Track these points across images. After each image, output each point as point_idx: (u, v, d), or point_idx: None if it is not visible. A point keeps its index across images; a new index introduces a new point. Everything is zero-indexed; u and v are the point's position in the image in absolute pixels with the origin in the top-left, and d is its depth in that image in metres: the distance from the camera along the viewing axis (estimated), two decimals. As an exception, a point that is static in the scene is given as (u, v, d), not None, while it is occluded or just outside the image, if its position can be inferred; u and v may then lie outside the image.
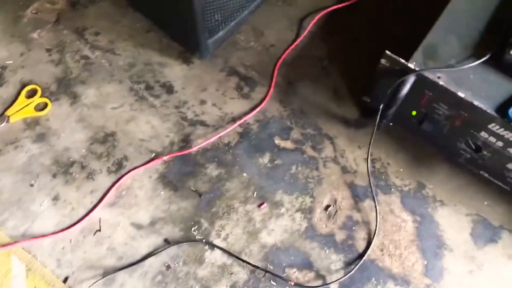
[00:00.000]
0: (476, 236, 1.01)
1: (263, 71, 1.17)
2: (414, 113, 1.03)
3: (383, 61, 0.95)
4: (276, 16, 1.25)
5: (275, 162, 1.07)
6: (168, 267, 0.97)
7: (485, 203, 1.04)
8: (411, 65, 0.92)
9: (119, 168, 1.05)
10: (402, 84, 0.93)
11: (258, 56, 1.19)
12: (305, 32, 1.22)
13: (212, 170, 1.06)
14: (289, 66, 1.18)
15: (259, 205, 1.03)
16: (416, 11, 1.23)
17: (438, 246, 1.00)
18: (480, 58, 0.92)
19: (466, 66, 0.92)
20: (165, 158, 1.06)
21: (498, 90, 0.91)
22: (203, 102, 1.13)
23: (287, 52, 1.19)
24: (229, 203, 1.03)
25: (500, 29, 0.95)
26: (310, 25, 1.23)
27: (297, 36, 1.22)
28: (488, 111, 0.88)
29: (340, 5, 1.25)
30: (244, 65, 1.18)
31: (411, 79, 0.93)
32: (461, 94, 0.90)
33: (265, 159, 1.08)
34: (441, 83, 0.91)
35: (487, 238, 1.01)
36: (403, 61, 0.93)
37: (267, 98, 1.13)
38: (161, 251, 0.97)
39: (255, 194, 1.04)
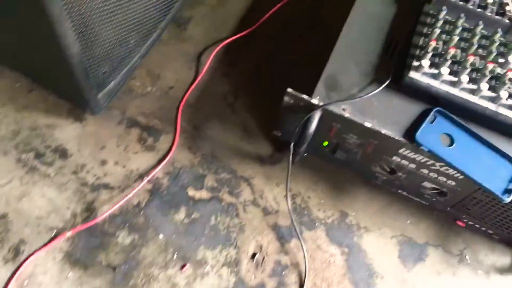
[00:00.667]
0: (404, 257, 1.01)
1: (166, 117, 1.09)
2: (326, 143, 1.00)
3: (286, 98, 0.91)
4: (171, 55, 1.17)
5: (192, 216, 1.00)
6: None
7: (408, 221, 1.04)
8: (314, 101, 0.89)
9: (16, 255, 0.92)
10: (309, 120, 0.90)
11: (158, 101, 1.11)
12: (205, 68, 1.15)
13: (124, 238, 0.97)
14: (192, 107, 1.11)
15: (181, 267, 0.95)
16: (316, 35, 1.21)
17: (370, 275, 0.98)
18: (381, 84, 0.91)
19: (369, 95, 0.90)
20: (68, 234, 0.95)
21: (403, 114, 0.90)
22: (104, 162, 1.03)
23: (188, 92, 1.12)
24: (147, 271, 0.94)
25: (396, 51, 0.95)
26: (209, 60, 1.16)
27: (197, 73, 1.15)
28: (396, 138, 0.87)
29: (237, 36, 1.20)
30: (144, 114, 1.10)
31: (317, 115, 0.90)
32: (367, 124, 0.88)
33: (181, 214, 1.00)
34: (346, 115, 0.88)
35: (415, 258, 1.01)
36: (306, 97, 0.89)
37: (174, 146, 1.06)
38: None
39: (175, 256, 0.96)
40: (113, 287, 0.92)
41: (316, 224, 1.02)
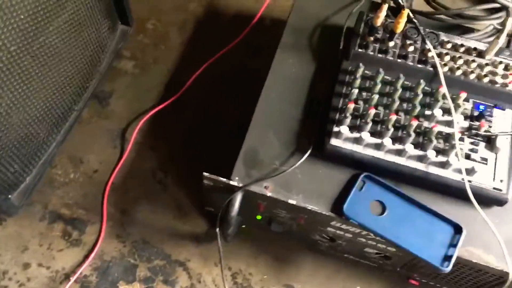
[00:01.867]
0: (358, 328, 0.95)
1: (91, 205, 1.02)
2: (259, 217, 0.94)
3: (205, 181, 0.85)
4: (93, 135, 1.10)
5: (125, 314, 0.94)
6: None
7: (358, 287, 0.98)
8: (233, 183, 0.83)
9: None
10: (230, 202, 0.84)
11: (82, 188, 1.04)
12: (130, 145, 1.09)
13: None
14: (119, 190, 1.04)
15: None
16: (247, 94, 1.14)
17: None
18: (303, 153, 0.85)
19: (292, 168, 0.84)
20: None
21: (330, 184, 0.84)
22: (26, 265, 0.96)
23: (113, 174, 1.05)
24: None
25: (317, 115, 0.89)
26: (134, 135, 1.10)
27: (122, 152, 1.08)
28: (324, 212, 0.81)
29: (162, 105, 1.14)
30: (67, 205, 1.02)
31: (239, 196, 0.84)
32: (292, 201, 0.81)
33: (113, 314, 0.94)
34: (269, 194, 0.82)
35: (369, 327, 0.95)
36: (224, 180, 0.83)
37: (101, 237, 0.99)
38: None
39: None
40: None
41: (260, 304, 0.95)
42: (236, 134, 0.88)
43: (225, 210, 0.84)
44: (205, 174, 0.83)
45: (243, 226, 0.99)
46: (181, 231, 1.01)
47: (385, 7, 0.85)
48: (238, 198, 0.83)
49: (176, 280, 0.96)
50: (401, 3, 0.86)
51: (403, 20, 0.85)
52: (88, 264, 0.96)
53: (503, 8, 0.93)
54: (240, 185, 0.83)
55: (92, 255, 0.96)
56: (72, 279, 0.94)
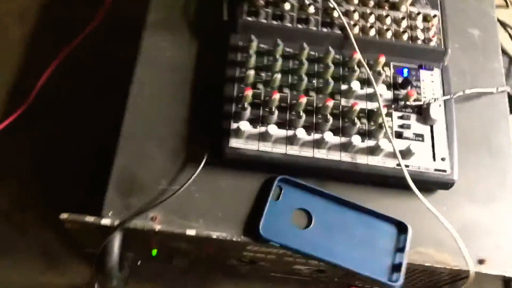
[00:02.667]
0: None
1: None
2: (154, 253, 0.73)
3: (67, 225, 0.62)
4: None
5: None
6: None
7: (291, 307, 0.81)
8: (106, 221, 0.60)
9: None
10: (106, 248, 0.62)
11: None
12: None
13: None
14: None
15: None
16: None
17: None
18: (198, 164, 0.64)
19: (185, 186, 0.62)
20: None
21: (236, 200, 0.63)
22: None
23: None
24: None
25: (208, 110, 0.68)
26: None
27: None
28: (234, 239, 0.62)
29: (5, 122, 0.84)
30: None
31: (117, 238, 0.62)
32: (191, 232, 0.61)
33: None
34: (158, 227, 0.61)
35: None
36: (91, 219, 0.60)
37: None
38: None
39: None
40: None
41: None
42: (107, 150, 0.66)
43: (100, 258, 0.62)
44: (64, 215, 0.60)
45: (139, 262, 0.78)
46: (57, 285, 0.77)
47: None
48: (116, 240, 0.60)
49: None
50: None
51: (297, -27, 0.67)
52: None
53: None
54: (116, 222, 0.60)
55: None
56: None
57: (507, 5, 0.97)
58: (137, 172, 0.63)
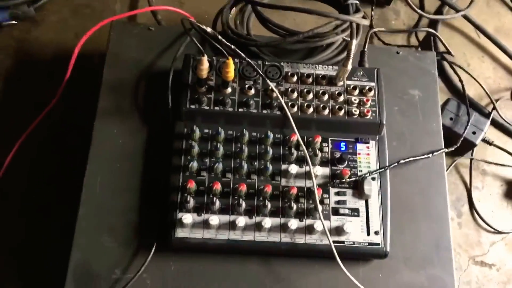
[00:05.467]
0: None
1: None
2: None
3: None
4: None
5: None
6: None
7: None
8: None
9: None
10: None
11: None
12: None
13: None
14: None
15: None
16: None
17: None
18: (149, 252, 0.69)
19: (138, 274, 0.66)
20: None
21: (187, 283, 0.68)
22: None
23: None
24: None
25: (157, 200, 0.72)
26: None
27: None
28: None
29: None
30: None
31: (77, 328, 0.67)
32: (144, 323, 0.67)
33: None
34: (113, 318, 0.67)
35: None
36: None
37: None
38: None
39: None
40: None
41: None
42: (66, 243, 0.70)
43: None
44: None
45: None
46: None
47: (204, 60, 0.69)
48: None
49: None
50: (225, 51, 0.71)
51: (231, 69, 0.69)
52: None
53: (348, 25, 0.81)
54: (75, 317, 0.66)
55: None
56: None
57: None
58: (92, 264, 0.68)
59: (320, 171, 0.72)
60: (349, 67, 0.74)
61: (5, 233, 0.84)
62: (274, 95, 0.74)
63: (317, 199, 0.69)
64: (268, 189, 0.69)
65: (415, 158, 0.78)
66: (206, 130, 0.73)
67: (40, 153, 0.90)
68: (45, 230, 0.83)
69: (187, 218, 0.67)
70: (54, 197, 0.85)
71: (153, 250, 0.68)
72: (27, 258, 0.82)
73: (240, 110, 0.74)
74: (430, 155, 0.79)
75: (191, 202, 0.68)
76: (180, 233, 0.68)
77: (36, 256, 0.82)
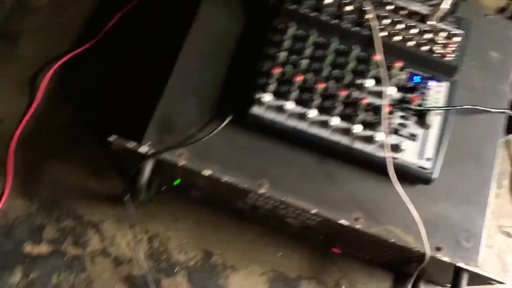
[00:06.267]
0: (275, 295, 0.93)
1: (-5, 159, 0.94)
2: (177, 182, 0.88)
3: (112, 145, 0.77)
4: (-2, 81, 0.99)
5: (30, 276, 0.86)
6: None
7: (279, 254, 0.95)
8: (143, 150, 0.75)
9: None
10: (139, 171, 0.77)
11: (-18, 144, 0.94)
12: (40, 94, 0.97)
13: None
14: (27, 145, 0.94)
15: None
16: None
17: (235, 323, 0.90)
18: (224, 120, 0.78)
19: (210, 135, 0.77)
20: None
21: (249, 154, 0.78)
22: None
23: (21, 127, 0.94)
24: None
25: (242, 80, 0.81)
26: (45, 83, 0.98)
27: (31, 101, 0.97)
28: (239, 185, 0.76)
29: (79, 49, 1.00)
30: (-34, 160, 0.93)
31: (149, 164, 0.77)
32: (206, 172, 0.75)
33: (17, 276, 0.86)
34: (181, 163, 0.76)
35: (287, 295, 0.94)
36: (132, 146, 0.76)
37: (6, 194, 0.90)
38: None
39: (10, 328, 0.85)
40: None
41: (176, 269, 0.90)
42: (155, 93, 0.80)
43: (133, 177, 0.78)
44: (112, 138, 0.75)
45: (164, 187, 0.94)
46: (96, 191, 0.93)
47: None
48: (148, 166, 0.76)
49: (87, 242, 0.90)
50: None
51: (341, -25, 0.76)
52: (-11, 223, 0.89)
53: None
54: (151, 152, 0.76)
55: (-6, 214, 0.90)
56: (-29, 239, 0.87)
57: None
58: (174, 117, 0.78)
59: (392, 92, 0.79)
60: (445, 5, 0.79)
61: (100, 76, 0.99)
62: (368, 16, 0.81)
63: (384, 112, 0.75)
64: (342, 93, 0.76)
65: (478, 108, 0.83)
66: (299, 31, 0.80)
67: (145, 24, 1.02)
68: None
69: (266, 97, 0.75)
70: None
71: (227, 120, 0.77)
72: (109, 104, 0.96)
73: (334, 21, 0.81)
74: (492, 109, 0.84)
75: (272, 86, 0.76)
76: (256, 110, 0.76)
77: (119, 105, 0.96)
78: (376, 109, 0.78)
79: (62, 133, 0.96)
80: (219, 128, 0.77)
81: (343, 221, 0.75)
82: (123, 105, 0.96)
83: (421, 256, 0.78)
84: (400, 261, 0.89)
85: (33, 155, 0.94)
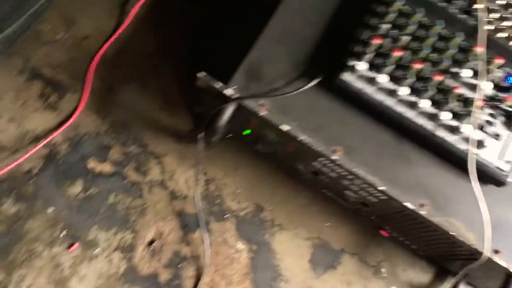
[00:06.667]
0: (316, 262, 0.93)
1: (75, 72, 0.95)
2: (246, 132, 0.88)
3: (198, 82, 0.78)
4: (92, -3, 1.00)
5: (89, 191, 0.90)
6: (-46, 333, 0.82)
7: (328, 224, 0.96)
8: (229, 91, 0.76)
9: None
10: (220, 112, 0.78)
11: (69, 52, 0.96)
12: (129, 19, 0.98)
13: (9, 207, 0.87)
14: (109, 64, 0.96)
15: (69, 247, 0.87)
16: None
17: (274, 278, 0.91)
18: (311, 80, 0.78)
19: (295, 92, 0.76)
20: None
21: (329, 119, 0.78)
22: (-4, 117, 0.92)
23: (106, 46, 0.96)
24: (30, 247, 0.86)
25: (337, 44, 0.80)
26: (136, 8, 0.99)
27: (119, 23, 0.98)
28: (315, 147, 0.76)
29: None
30: (50, 65, 0.95)
31: (230, 107, 0.77)
32: (284, 127, 0.75)
33: (77, 188, 0.90)
34: (262, 113, 0.76)
35: (327, 264, 0.93)
36: (218, 86, 0.76)
37: (80, 108, 0.93)
38: None
39: (63, 234, 0.87)
40: (-12, 260, 0.85)
41: (226, 216, 0.93)
42: (245, 39, 0.80)
43: (213, 117, 0.79)
44: (200, 74, 0.76)
45: (230, 135, 0.95)
46: (164, 123, 0.95)
47: None
48: (229, 109, 0.77)
49: (148, 171, 0.92)
50: None
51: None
52: (61, 132, 0.91)
53: None
54: (235, 96, 0.76)
55: (67, 124, 0.91)
56: (42, 143, 0.89)
57: None
58: (263, 66, 0.78)
59: (486, 87, 0.77)
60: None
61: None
62: (477, 6, 0.78)
63: (477, 105, 0.74)
64: (437, 78, 0.75)
65: None
66: (405, 6, 0.79)
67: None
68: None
69: (359, 66, 0.75)
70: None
71: (316, 81, 0.77)
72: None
73: (442, 4, 0.79)
74: None
75: (368, 56, 0.75)
76: (346, 76, 0.75)
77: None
78: (466, 101, 0.76)
79: (143, 60, 0.98)
80: (306, 87, 0.77)
81: (408, 204, 0.75)
82: (210, 45, 0.97)
83: (474, 256, 0.78)
84: (447, 257, 0.89)
85: (112, 76, 0.96)
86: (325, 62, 0.78)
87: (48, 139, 0.90)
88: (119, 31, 0.97)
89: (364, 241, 0.96)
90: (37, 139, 0.90)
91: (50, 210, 0.88)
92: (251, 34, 0.80)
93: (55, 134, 0.90)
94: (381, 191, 0.76)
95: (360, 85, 0.75)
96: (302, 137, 0.75)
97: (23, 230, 0.86)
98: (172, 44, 0.99)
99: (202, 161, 0.91)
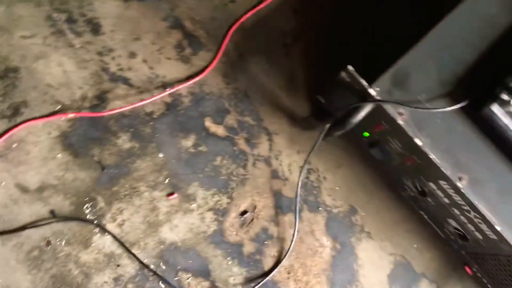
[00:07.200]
0: (394, 279, 0.93)
1: (214, 32, 0.97)
2: (366, 134, 0.88)
3: (343, 74, 0.78)
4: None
5: (199, 148, 0.92)
6: (48, 243, 0.85)
7: (415, 245, 0.95)
8: (372, 91, 0.76)
9: (14, 114, 0.87)
10: (357, 109, 0.78)
11: (213, 11, 0.98)
12: (277, -5, 1.01)
13: (124, 142, 0.90)
14: (245, 33, 0.98)
15: (169, 195, 0.90)
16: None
17: (350, 281, 0.91)
18: (455, 103, 0.77)
19: (436, 110, 0.76)
20: (71, 115, 0.89)
21: (462, 146, 0.77)
22: (132, 54, 0.94)
23: (247, 15, 0.98)
24: (134, 184, 0.89)
25: (491, 70, 0.79)
26: (285, -13, 1.02)
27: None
28: (442, 169, 0.75)
29: None
30: (192, 19, 0.97)
31: (368, 107, 0.77)
32: (418, 142, 0.75)
33: (189, 142, 0.92)
34: (400, 122, 0.75)
35: (404, 284, 0.93)
36: (364, 83, 0.76)
37: (210, 68, 0.95)
38: (44, 224, 0.85)
39: (166, 181, 0.90)
40: (95, 185, 0.87)
41: (319, 208, 0.93)
42: (394, 46, 0.79)
43: (348, 112, 0.79)
44: (349, 67, 0.77)
45: (342, 132, 0.95)
46: (283, 103, 0.96)
47: None
48: (367, 108, 0.77)
49: (257, 145, 0.94)
50: None
51: None
52: (187, 85, 0.94)
53: None
54: (378, 97, 0.76)
55: (195, 79, 0.94)
56: (168, 91, 0.92)
57: None
58: (410, 76, 0.78)
59: None
60: None
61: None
62: None
63: None
64: None
65: None
66: None
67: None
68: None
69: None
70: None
71: (460, 104, 0.76)
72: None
73: None
74: None
75: (523, 95, 0.74)
76: (495, 108, 0.74)
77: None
78: None
79: (280, 36, 0.99)
80: (449, 108, 0.76)
81: (520, 252, 0.74)
82: (349, 39, 0.98)
83: None
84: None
85: (246, 45, 0.98)
86: (474, 88, 0.77)
87: (174, 89, 0.93)
88: (262, 4, 0.99)
89: (446, 272, 0.94)
90: (164, 85, 0.93)
91: (160, 155, 0.91)
92: (403, 42, 0.80)
93: (182, 86, 0.93)
94: (496, 231, 0.74)
95: (506, 121, 0.74)
96: (433, 155, 0.75)
97: (131, 167, 0.89)
98: (308, 31, 1.00)
99: (308, 150, 0.92)
